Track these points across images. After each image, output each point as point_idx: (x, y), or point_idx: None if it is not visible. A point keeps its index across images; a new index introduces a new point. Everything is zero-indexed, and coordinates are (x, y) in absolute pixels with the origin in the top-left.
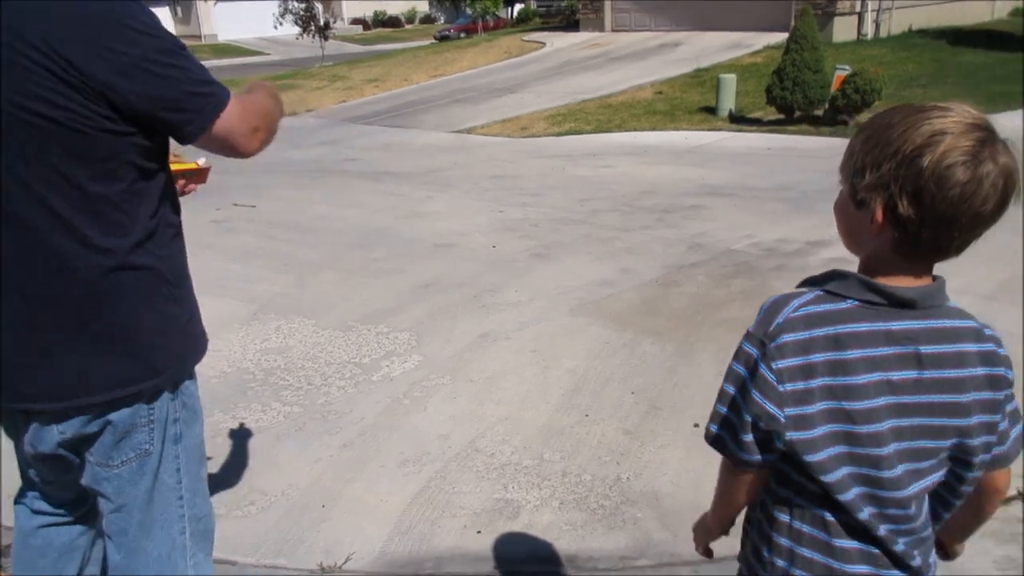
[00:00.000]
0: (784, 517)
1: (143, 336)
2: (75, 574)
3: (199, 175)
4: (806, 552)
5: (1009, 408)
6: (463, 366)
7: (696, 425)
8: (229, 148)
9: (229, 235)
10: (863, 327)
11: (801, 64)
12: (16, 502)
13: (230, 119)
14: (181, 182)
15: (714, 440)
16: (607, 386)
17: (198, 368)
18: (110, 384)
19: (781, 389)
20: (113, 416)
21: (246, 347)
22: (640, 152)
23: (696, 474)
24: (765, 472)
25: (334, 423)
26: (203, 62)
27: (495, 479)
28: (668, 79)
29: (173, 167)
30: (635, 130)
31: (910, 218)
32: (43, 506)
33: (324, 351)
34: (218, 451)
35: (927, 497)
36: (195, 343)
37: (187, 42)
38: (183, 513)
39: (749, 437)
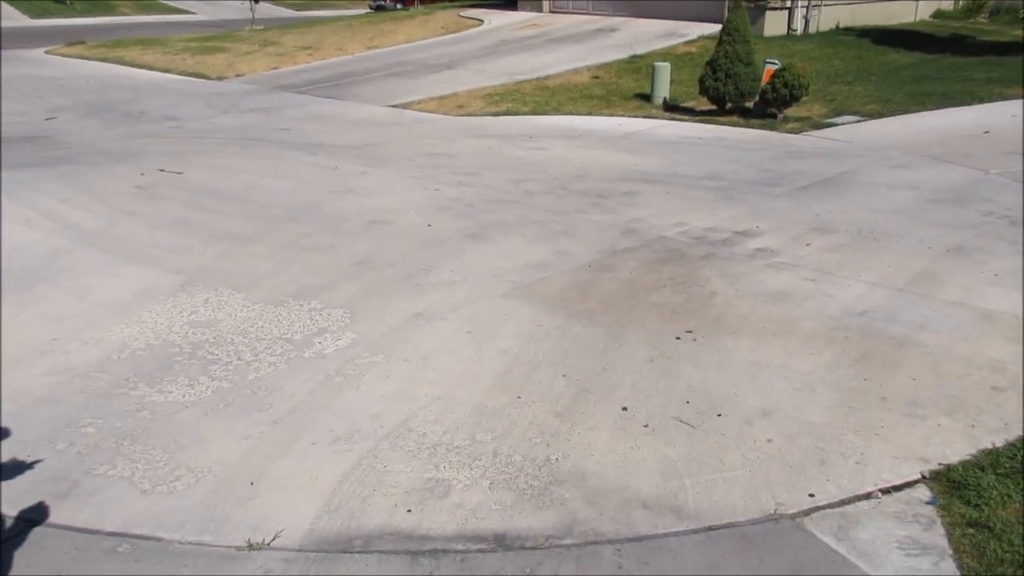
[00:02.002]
0: None
1: None
2: None
3: None
4: None
5: None
6: (397, 345)
7: (625, 409)
8: None
9: (154, 202)
10: None
11: (733, 56)
12: None
13: None
14: None
15: None
16: (539, 368)
17: (123, 340)
18: None
19: None
20: None
21: (173, 319)
22: (575, 136)
23: (621, 455)
24: None
25: (264, 399)
26: (122, 17)
27: (426, 458)
28: (604, 64)
29: None
30: (571, 113)
31: None
32: None
33: (255, 326)
34: (143, 425)
35: None
36: None
37: None
38: None
39: None
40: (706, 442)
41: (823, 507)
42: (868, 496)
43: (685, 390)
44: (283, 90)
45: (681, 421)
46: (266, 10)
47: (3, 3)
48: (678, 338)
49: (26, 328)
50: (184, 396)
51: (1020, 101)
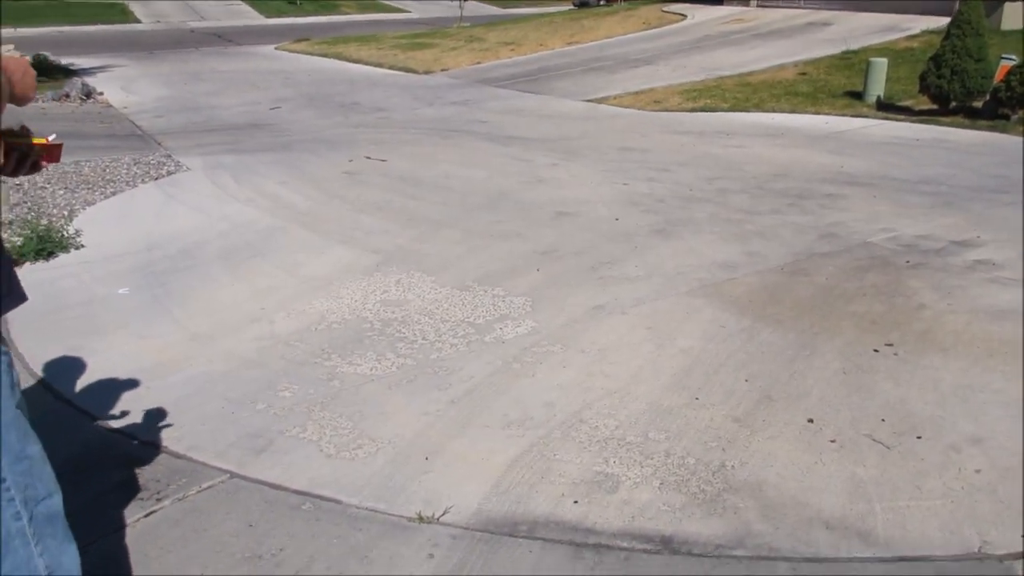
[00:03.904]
0: None
1: None
2: None
3: (50, 151)
4: None
5: None
6: (575, 336)
7: (811, 421)
8: None
9: (360, 187)
10: None
11: (962, 51)
12: None
13: None
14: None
15: None
16: (720, 371)
17: (322, 313)
18: None
19: None
20: None
21: (367, 297)
22: (776, 134)
23: (804, 469)
24: None
25: (444, 379)
26: (343, 16)
27: (597, 451)
28: (813, 60)
29: (14, 140)
30: (773, 111)
31: None
32: None
33: (440, 308)
34: (333, 394)
35: None
36: None
37: None
38: (12, 496)
39: None
40: (902, 466)
41: None
42: None
43: (881, 407)
44: (484, 84)
45: (874, 440)
46: (473, 8)
47: (243, 3)
48: (877, 351)
49: (241, 297)
50: (371, 369)
51: None
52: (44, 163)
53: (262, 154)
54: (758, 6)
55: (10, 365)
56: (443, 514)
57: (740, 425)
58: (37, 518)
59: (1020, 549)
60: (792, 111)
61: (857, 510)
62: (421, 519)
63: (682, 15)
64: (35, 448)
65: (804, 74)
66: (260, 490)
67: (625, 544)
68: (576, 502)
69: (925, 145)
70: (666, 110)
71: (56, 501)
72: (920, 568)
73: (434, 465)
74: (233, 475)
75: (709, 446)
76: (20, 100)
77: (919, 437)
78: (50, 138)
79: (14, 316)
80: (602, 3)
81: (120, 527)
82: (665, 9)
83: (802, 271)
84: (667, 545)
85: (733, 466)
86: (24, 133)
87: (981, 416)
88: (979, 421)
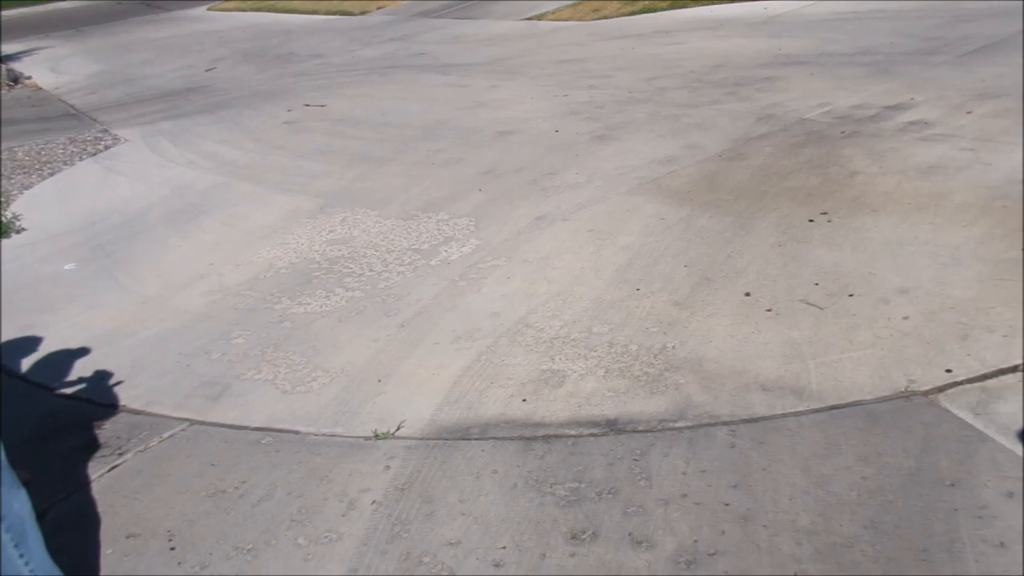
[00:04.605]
0: None
1: None
2: None
3: None
4: None
5: None
6: (519, 247)
7: (748, 295)
8: None
9: (299, 135)
10: None
11: None
12: None
13: None
14: None
15: None
16: (660, 261)
17: (270, 261)
18: None
19: None
20: None
21: (313, 239)
22: (716, 26)
23: (741, 340)
24: None
25: (392, 305)
26: None
27: (543, 352)
28: None
29: None
30: (713, 3)
31: None
32: None
33: (386, 239)
34: (285, 334)
35: None
36: None
37: None
38: None
39: None
40: (835, 323)
41: (961, 382)
42: (1015, 369)
43: (815, 273)
44: (420, 17)
45: (808, 304)
46: None
47: None
48: (811, 221)
49: (188, 256)
50: (321, 307)
51: None
52: None
53: (199, 116)
54: None
55: None
56: (397, 429)
57: (680, 308)
58: None
59: (943, 383)
60: (731, 1)
61: (792, 370)
62: (377, 436)
63: None
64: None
65: None
66: (220, 432)
67: (572, 432)
68: (525, 400)
69: (862, 18)
70: (605, 17)
71: None
72: (850, 413)
73: (387, 387)
74: (192, 422)
75: (651, 332)
76: None
77: (851, 295)
78: None
79: None
80: None
81: (85, 484)
82: None
83: (740, 156)
84: (612, 427)
85: (674, 347)
86: None
87: (908, 268)
88: (906, 273)
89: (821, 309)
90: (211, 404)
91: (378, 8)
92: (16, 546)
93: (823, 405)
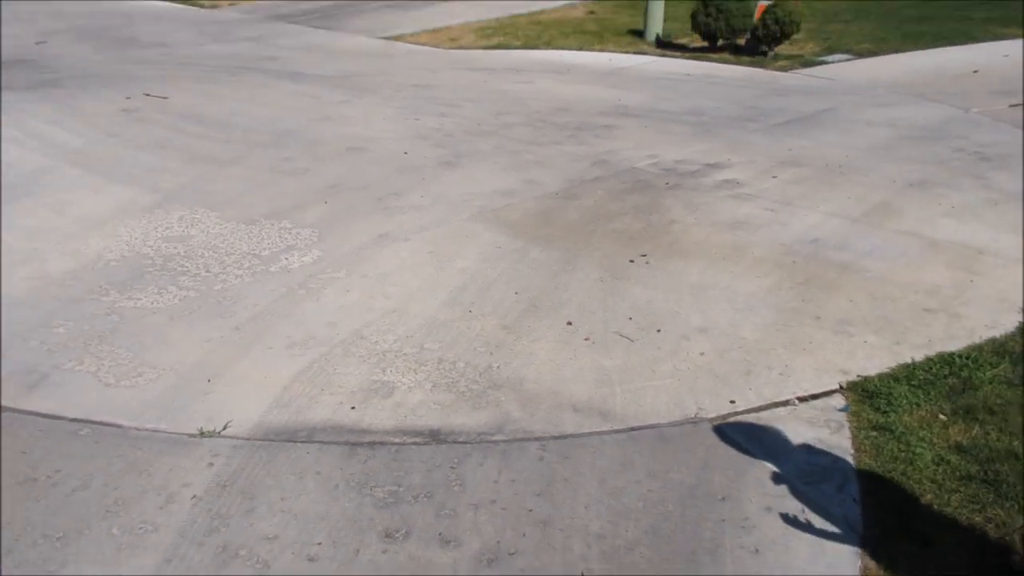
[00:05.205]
0: None
1: None
2: None
3: None
4: None
5: None
6: (360, 262)
7: (569, 323)
8: None
9: (139, 125)
10: None
11: None
12: None
13: None
14: None
15: None
16: (493, 286)
17: (99, 251)
18: None
19: None
20: None
21: (147, 234)
22: (563, 71)
23: (559, 365)
24: None
25: (228, 307)
26: None
27: (375, 363)
28: (601, 0)
29: None
30: (562, 48)
31: None
32: None
33: (225, 242)
34: (111, 327)
35: None
36: None
37: None
38: None
39: None
40: (642, 354)
41: (741, 412)
42: (785, 403)
43: (630, 308)
44: (276, 20)
45: (621, 335)
46: None
47: None
48: (631, 261)
49: (8, 240)
50: (153, 303)
51: (1015, 41)
52: None
53: (27, 92)
54: None
55: None
56: (224, 428)
57: (508, 332)
58: None
59: (726, 412)
60: (580, 48)
61: (601, 394)
62: (203, 434)
63: None
64: None
65: (592, 12)
66: (34, 421)
67: (397, 440)
68: (353, 408)
69: (695, 80)
70: (461, 48)
71: None
72: (647, 435)
73: (216, 386)
74: (5, 409)
75: (479, 351)
76: None
77: (659, 330)
78: None
79: None
80: None
81: None
82: None
83: (573, 196)
84: (435, 437)
85: (499, 367)
86: None
87: (709, 309)
88: (707, 314)
89: (632, 341)
90: (26, 392)
91: (230, 4)
92: None
93: (624, 426)
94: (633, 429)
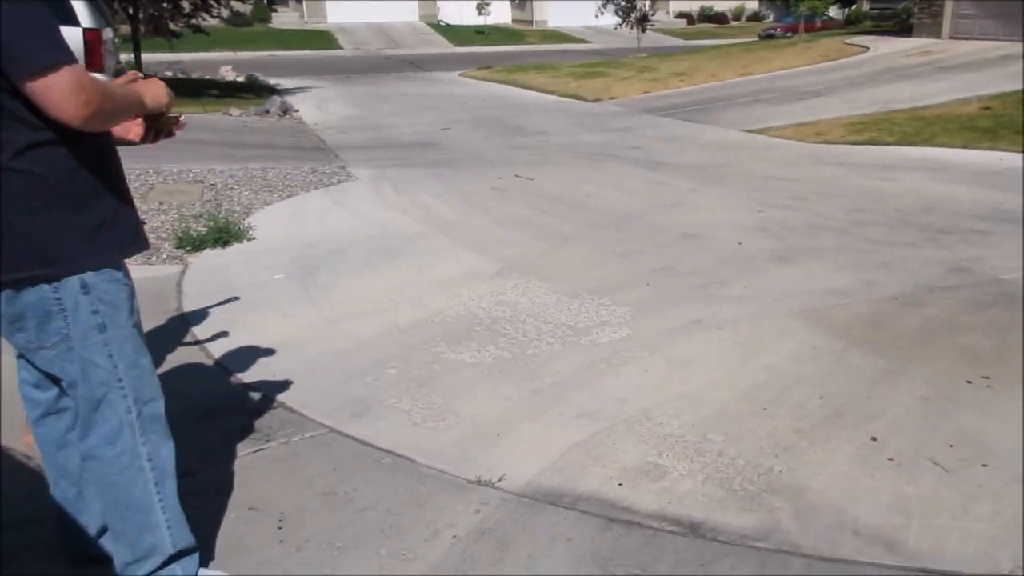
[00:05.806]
0: None
1: (35, 232)
2: (76, 467)
3: (179, 124)
4: None
5: None
6: (666, 345)
7: (874, 439)
8: (48, 106)
9: (503, 202)
10: None
11: None
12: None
13: (57, 82)
14: (138, 123)
15: None
16: (797, 387)
17: (440, 307)
18: (9, 266)
19: None
20: (26, 298)
21: (483, 297)
22: (938, 169)
23: (851, 481)
24: None
25: (533, 371)
26: (528, 46)
27: (654, 445)
28: (1002, 94)
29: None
30: (943, 146)
31: None
32: (34, 394)
33: (547, 311)
34: (432, 375)
35: None
36: (102, 247)
37: (520, 27)
38: (125, 395)
39: None
40: (956, 489)
41: None
42: None
43: (953, 434)
44: (647, 112)
45: (934, 463)
46: (654, 39)
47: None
48: (969, 382)
49: (375, 290)
50: (472, 358)
51: None
52: (175, 131)
53: (424, 169)
54: (950, 38)
55: (131, 293)
56: (499, 480)
57: (801, 436)
58: (144, 415)
59: None
60: (965, 146)
61: (893, 523)
62: (479, 482)
63: (864, 47)
64: (146, 360)
65: (988, 108)
66: (351, 444)
67: (654, 524)
68: (621, 484)
69: None
70: (826, 142)
71: (159, 405)
72: None
73: (503, 441)
74: (332, 430)
75: (764, 451)
76: (154, 109)
77: (984, 465)
78: (181, 118)
79: (191, 288)
80: (789, 35)
81: (233, 457)
82: (847, 41)
83: (916, 302)
84: (694, 530)
85: (781, 471)
86: (167, 115)
87: None
88: None
89: (946, 471)
90: (352, 419)
91: (610, 99)
92: (156, 484)
93: (914, 565)
94: (924, 571)
